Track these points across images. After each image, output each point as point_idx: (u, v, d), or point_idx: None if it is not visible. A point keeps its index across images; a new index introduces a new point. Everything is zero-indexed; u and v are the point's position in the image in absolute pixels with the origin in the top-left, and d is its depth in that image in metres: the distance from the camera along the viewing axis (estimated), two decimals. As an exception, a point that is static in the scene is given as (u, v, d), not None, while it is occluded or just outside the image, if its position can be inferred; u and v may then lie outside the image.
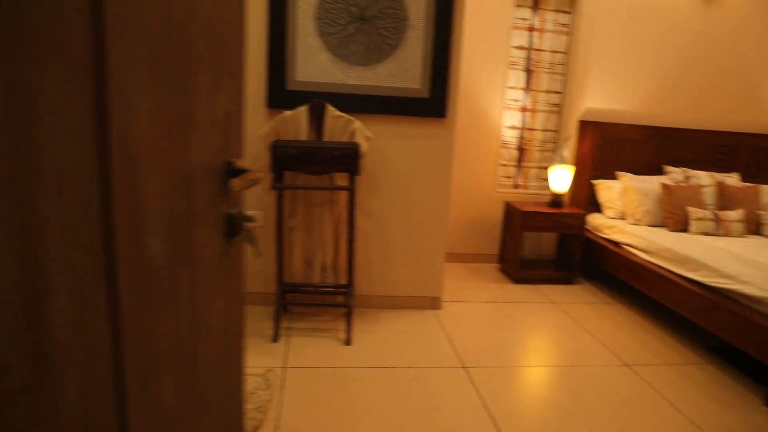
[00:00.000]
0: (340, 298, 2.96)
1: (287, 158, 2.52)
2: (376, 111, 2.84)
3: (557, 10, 3.91)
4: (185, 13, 0.77)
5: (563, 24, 3.93)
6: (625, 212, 3.73)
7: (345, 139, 2.71)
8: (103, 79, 0.53)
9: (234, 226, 1.00)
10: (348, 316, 2.65)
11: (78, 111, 0.51)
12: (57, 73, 0.47)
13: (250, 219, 0.99)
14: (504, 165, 4.10)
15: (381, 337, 2.70)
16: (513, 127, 4.04)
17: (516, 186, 4.14)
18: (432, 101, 2.86)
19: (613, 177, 3.95)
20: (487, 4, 3.78)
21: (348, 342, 2.61)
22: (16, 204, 0.43)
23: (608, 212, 3.83)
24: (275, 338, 2.58)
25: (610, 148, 3.98)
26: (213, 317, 0.98)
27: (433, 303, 3.13)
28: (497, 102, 3.94)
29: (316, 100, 2.70)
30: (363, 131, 2.71)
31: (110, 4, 0.54)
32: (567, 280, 3.79)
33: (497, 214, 4.11)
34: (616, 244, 3.58)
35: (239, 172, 0.99)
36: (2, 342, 0.41)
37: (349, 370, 2.37)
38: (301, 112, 2.68)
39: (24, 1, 0.41)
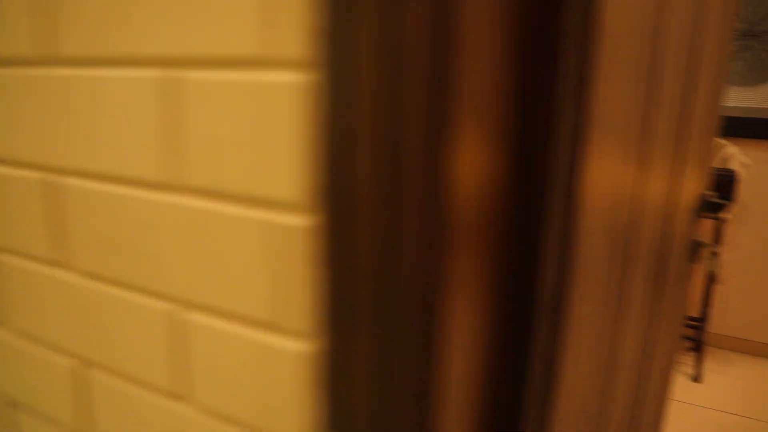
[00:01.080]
0: (687, 331, 2.79)
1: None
2: (753, 135, 2.58)
3: None
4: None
5: None
6: None
7: (714, 164, 2.54)
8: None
9: (695, 252, 1.08)
10: (698, 352, 2.49)
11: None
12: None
13: (711, 247, 1.06)
14: None
15: (734, 381, 2.47)
16: None
17: None
18: (833, 126, 2.46)
19: None
20: None
21: (697, 379, 2.46)
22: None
23: None
24: (613, 357, 2.59)
25: None
26: (674, 326, 1.09)
27: (799, 357, 2.70)
28: None
29: (685, 121, 2.59)
30: (740, 157, 2.50)
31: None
32: None
33: None
34: None
35: (708, 203, 1.07)
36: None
37: (701, 409, 2.24)
38: (666, 134, 2.61)
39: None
